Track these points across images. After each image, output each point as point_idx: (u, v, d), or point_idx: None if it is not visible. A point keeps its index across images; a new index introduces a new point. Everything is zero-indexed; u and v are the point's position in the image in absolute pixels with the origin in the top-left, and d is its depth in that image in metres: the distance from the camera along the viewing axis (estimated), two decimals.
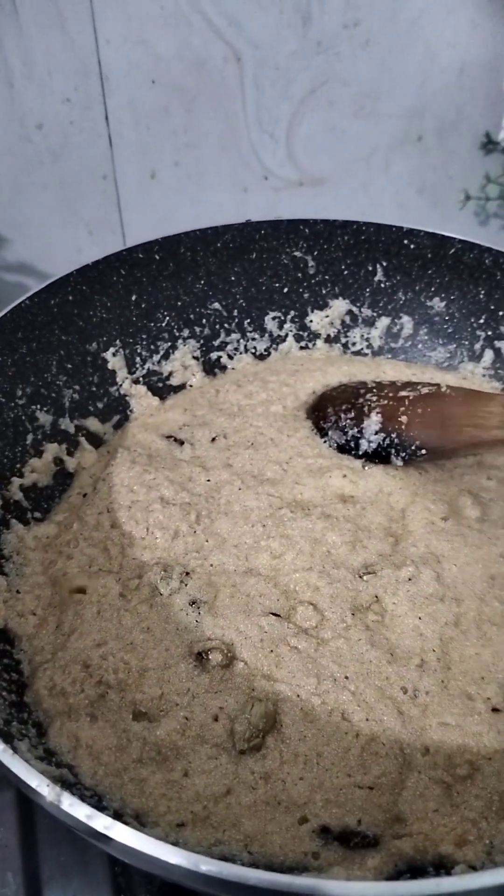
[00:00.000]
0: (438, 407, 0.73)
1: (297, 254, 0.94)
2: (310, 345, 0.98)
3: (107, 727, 0.58)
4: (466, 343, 0.92)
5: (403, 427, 0.73)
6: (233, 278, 0.94)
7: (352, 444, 0.77)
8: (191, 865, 0.41)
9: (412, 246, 0.91)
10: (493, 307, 0.88)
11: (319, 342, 0.98)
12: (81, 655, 0.62)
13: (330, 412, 0.80)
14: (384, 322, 0.96)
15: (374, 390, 0.79)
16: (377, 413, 0.76)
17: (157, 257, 0.88)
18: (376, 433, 0.75)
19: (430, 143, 1.26)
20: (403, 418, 0.74)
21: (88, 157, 1.13)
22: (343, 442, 0.77)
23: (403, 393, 0.76)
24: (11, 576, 0.70)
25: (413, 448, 0.73)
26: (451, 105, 1.23)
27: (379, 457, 0.76)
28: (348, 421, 0.77)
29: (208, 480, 0.76)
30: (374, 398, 0.78)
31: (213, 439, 0.81)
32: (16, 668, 0.64)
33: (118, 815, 0.49)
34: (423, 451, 0.72)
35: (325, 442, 0.79)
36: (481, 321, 0.90)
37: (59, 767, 0.56)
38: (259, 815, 0.54)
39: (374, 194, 1.29)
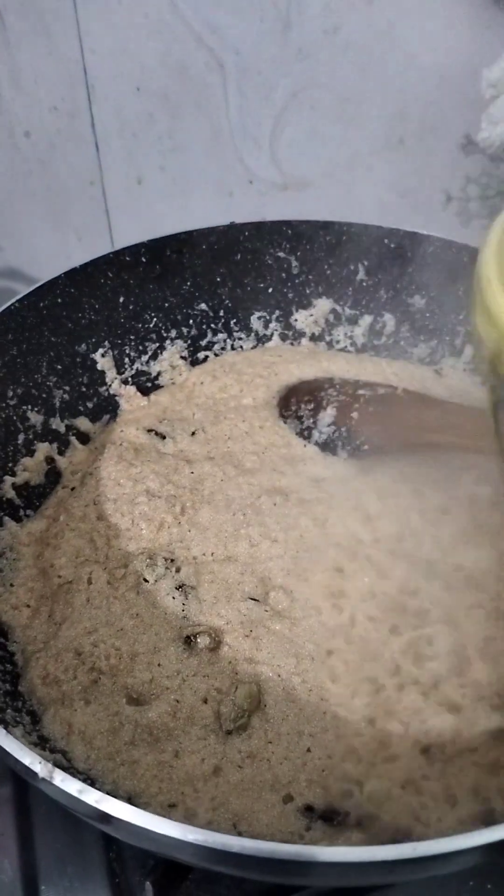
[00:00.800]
0: (388, 408, 0.79)
1: (281, 254, 0.96)
2: (295, 343, 1.00)
3: (100, 711, 0.60)
4: (447, 339, 0.94)
5: (353, 423, 0.79)
6: (218, 279, 0.96)
7: (305, 434, 0.82)
8: (178, 835, 0.42)
9: (392, 245, 0.93)
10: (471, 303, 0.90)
11: (304, 340, 1.00)
12: (73, 643, 0.64)
13: (293, 402, 0.85)
14: (367, 320, 0.98)
15: (337, 386, 0.84)
16: (333, 407, 0.81)
17: (144, 260, 0.90)
18: (328, 425, 0.81)
19: (411, 145, 1.29)
20: (355, 414, 0.80)
21: (76, 164, 1.15)
22: (298, 431, 0.83)
23: (361, 391, 0.82)
24: (5, 570, 0.72)
25: (357, 443, 0.78)
26: (431, 108, 1.25)
27: (328, 448, 0.81)
28: (307, 412, 0.83)
29: (192, 472, 0.78)
30: (335, 393, 0.83)
31: (193, 433, 0.84)
32: (10, 659, 0.66)
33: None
34: (366, 447, 0.78)
35: (293, 431, 0.83)
36: (461, 317, 0.92)
37: (52, 753, 0.58)
38: (246, 793, 0.56)
39: (358, 197, 1.32)
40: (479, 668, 0.62)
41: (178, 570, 0.70)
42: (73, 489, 0.80)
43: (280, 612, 0.66)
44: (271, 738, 0.58)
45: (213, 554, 0.71)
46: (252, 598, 0.66)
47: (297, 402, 0.85)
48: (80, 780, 0.45)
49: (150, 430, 0.85)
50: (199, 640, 0.64)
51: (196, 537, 0.72)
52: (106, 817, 0.44)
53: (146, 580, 0.69)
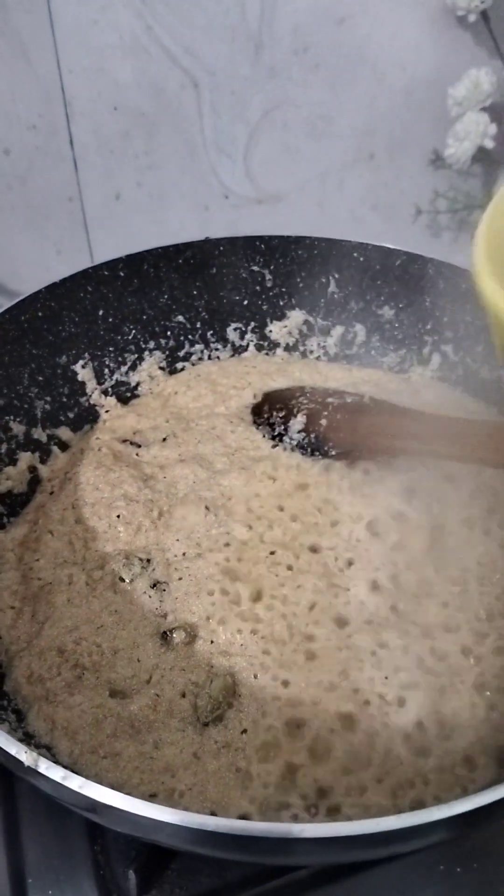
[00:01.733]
0: (355, 415, 0.83)
1: (255, 268, 0.99)
2: (270, 353, 1.03)
3: (84, 703, 0.62)
4: (415, 348, 0.98)
5: (322, 429, 0.83)
6: (195, 292, 0.99)
7: (277, 440, 0.86)
8: (158, 816, 0.45)
9: (361, 259, 0.96)
10: (437, 314, 0.94)
11: (279, 350, 1.03)
12: (56, 641, 0.66)
13: (265, 410, 0.89)
14: (339, 330, 1.02)
15: (308, 395, 0.88)
16: (303, 414, 0.85)
17: (122, 274, 0.93)
18: (298, 432, 0.84)
19: (381, 160, 1.33)
20: (324, 421, 0.83)
21: (54, 181, 1.18)
22: (269, 437, 0.87)
23: (330, 399, 0.86)
24: None
25: (326, 448, 0.82)
26: (399, 124, 1.30)
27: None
28: (278, 419, 0.86)
29: (165, 477, 0.81)
30: (305, 401, 0.87)
31: (164, 439, 0.87)
32: None
33: None
34: (335, 452, 0.82)
35: (263, 436, 0.87)
36: (428, 327, 0.96)
37: (37, 748, 0.60)
38: (222, 782, 0.58)
39: (330, 211, 1.36)
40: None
41: (153, 570, 0.73)
42: (51, 493, 0.83)
43: (251, 605, 0.69)
44: (245, 727, 0.61)
45: (184, 554, 0.73)
46: (224, 593, 0.69)
47: (269, 410, 0.89)
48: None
49: (124, 441, 0.88)
50: (174, 635, 0.67)
51: (170, 538, 0.75)
52: (89, 803, 0.47)
53: (122, 579, 0.71)
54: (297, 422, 0.85)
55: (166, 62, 1.12)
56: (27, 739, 0.61)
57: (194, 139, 1.21)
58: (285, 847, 0.47)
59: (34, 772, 0.49)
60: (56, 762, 0.58)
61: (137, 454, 0.86)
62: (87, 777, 0.58)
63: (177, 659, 0.65)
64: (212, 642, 0.66)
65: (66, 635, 0.67)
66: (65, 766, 0.58)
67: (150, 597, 0.70)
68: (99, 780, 0.58)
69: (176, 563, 0.73)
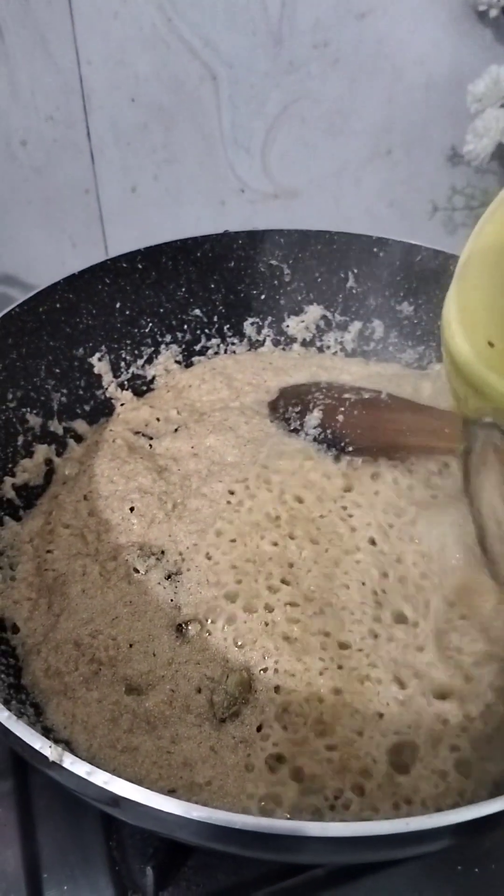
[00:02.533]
0: (372, 411, 0.83)
1: (273, 262, 0.99)
2: (287, 348, 1.03)
3: (102, 700, 0.62)
4: (434, 345, 0.97)
5: (338, 425, 0.82)
6: (212, 286, 0.98)
7: (293, 434, 0.85)
8: (182, 812, 0.44)
9: (381, 254, 0.96)
10: None
11: (296, 346, 1.03)
12: (72, 635, 0.66)
13: (280, 405, 0.89)
14: (357, 326, 1.01)
15: (324, 390, 0.87)
16: (320, 410, 0.84)
17: (140, 266, 0.92)
18: (314, 427, 0.83)
19: (398, 157, 1.32)
20: (340, 417, 0.82)
21: (71, 173, 1.17)
22: (285, 432, 0.86)
23: (346, 395, 0.85)
24: (6, 568, 0.74)
25: (342, 444, 0.81)
26: (417, 120, 1.29)
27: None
28: (294, 414, 0.86)
29: (179, 469, 0.81)
30: (321, 397, 0.86)
31: (176, 430, 0.87)
32: (12, 653, 0.68)
33: None
34: (350, 449, 0.81)
35: (277, 430, 0.87)
36: None
37: (56, 743, 0.60)
38: (241, 777, 0.58)
39: (346, 207, 1.35)
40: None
41: (167, 561, 0.72)
42: (64, 483, 0.83)
43: (266, 598, 0.68)
44: (261, 723, 0.60)
45: (197, 545, 0.73)
46: (238, 583, 0.69)
47: (284, 405, 0.88)
48: None
49: (137, 433, 0.88)
50: (189, 627, 0.66)
51: (184, 529, 0.74)
52: (114, 798, 0.46)
53: (137, 570, 0.71)
54: (314, 417, 0.84)
55: (186, 55, 1.11)
56: (46, 734, 0.60)
57: (212, 133, 1.20)
58: (306, 845, 0.47)
59: (58, 766, 0.48)
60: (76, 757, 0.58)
61: (150, 445, 0.86)
62: (105, 771, 0.58)
63: (192, 652, 0.65)
64: (226, 636, 0.66)
65: (81, 628, 0.66)
66: (83, 761, 0.58)
67: (164, 588, 0.70)
68: (118, 776, 0.58)
69: (189, 555, 0.72)
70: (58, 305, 0.86)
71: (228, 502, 0.76)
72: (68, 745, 0.60)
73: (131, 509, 0.76)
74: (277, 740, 0.60)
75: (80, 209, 1.21)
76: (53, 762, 0.47)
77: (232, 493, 0.77)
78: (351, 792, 0.58)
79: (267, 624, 0.66)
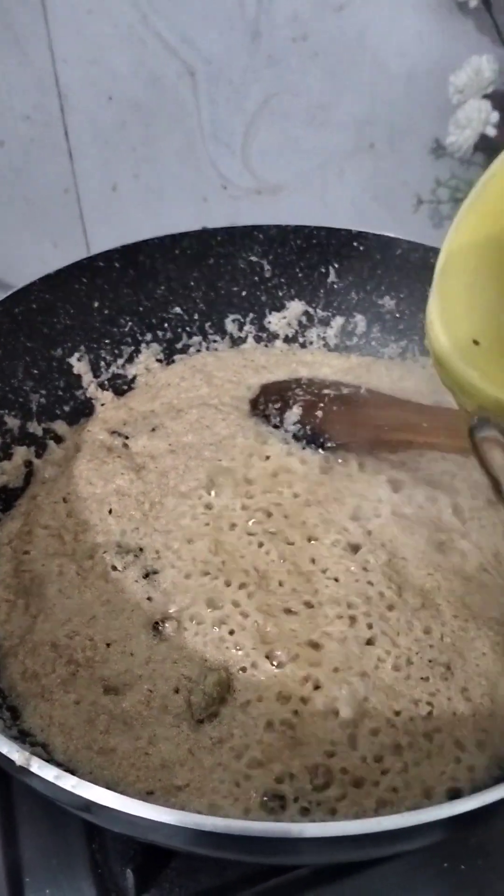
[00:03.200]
0: (351, 407, 0.83)
1: (253, 258, 0.98)
2: (269, 345, 1.02)
3: (79, 703, 0.61)
4: (416, 338, 0.96)
5: (318, 420, 0.82)
6: (192, 283, 0.98)
7: (273, 430, 0.85)
8: (153, 816, 0.44)
9: (361, 248, 0.95)
10: None
11: (278, 342, 1.02)
12: (49, 636, 0.65)
13: (261, 401, 0.88)
14: (339, 321, 1.00)
15: (304, 386, 0.87)
16: (299, 406, 0.84)
17: (118, 265, 0.92)
18: (294, 423, 0.83)
19: (381, 150, 1.31)
20: (319, 413, 0.82)
21: (50, 173, 1.17)
22: (266, 428, 0.86)
23: (326, 391, 0.85)
24: None
25: (322, 440, 0.81)
26: (400, 113, 1.28)
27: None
28: (274, 410, 0.85)
29: (156, 467, 0.81)
30: (301, 393, 0.86)
31: (153, 429, 0.86)
32: None
33: None
34: (330, 444, 0.81)
35: (255, 426, 0.86)
36: None
37: (33, 747, 0.59)
38: (219, 779, 0.57)
39: (331, 200, 1.34)
40: None
41: (144, 559, 0.72)
42: (43, 484, 0.82)
43: (243, 595, 0.68)
44: (240, 724, 0.60)
45: (176, 543, 0.73)
46: (213, 579, 0.69)
47: (264, 402, 0.88)
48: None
49: (113, 433, 0.87)
50: (166, 625, 0.66)
51: (161, 528, 0.74)
52: (83, 802, 0.46)
53: (115, 568, 0.71)
54: (293, 413, 0.83)
55: (162, 51, 1.10)
56: (22, 737, 0.60)
57: (192, 129, 1.19)
58: (284, 847, 0.47)
59: (27, 771, 0.48)
60: (52, 760, 0.58)
61: (126, 444, 0.85)
62: (83, 775, 0.57)
63: (169, 651, 0.64)
64: (204, 635, 0.65)
65: (59, 629, 0.66)
66: (60, 764, 0.57)
67: (141, 586, 0.69)
68: (95, 778, 0.58)
69: (167, 553, 0.72)
70: (34, 306, 0.85)
71: (201, 498, 0.76)
72: (45, 748, 0.59)
73: (109, 511, 0.76)
74: (256, 742, 0.59)
75: (61, 209, 1.21)
76: (21, 766, 0.47)
77: (209, 490, 0.77)
78: (332, 792, 0.57)
79: (245, 623, 0.66)
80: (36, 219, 1.21)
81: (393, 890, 0.67)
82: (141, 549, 0.73)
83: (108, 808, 0.45)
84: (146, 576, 0.70)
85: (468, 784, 0.58)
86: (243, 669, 0.63)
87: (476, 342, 0.56)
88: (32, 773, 0.47)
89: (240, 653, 0.64)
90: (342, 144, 1.28)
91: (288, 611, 0.66)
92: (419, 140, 1.31)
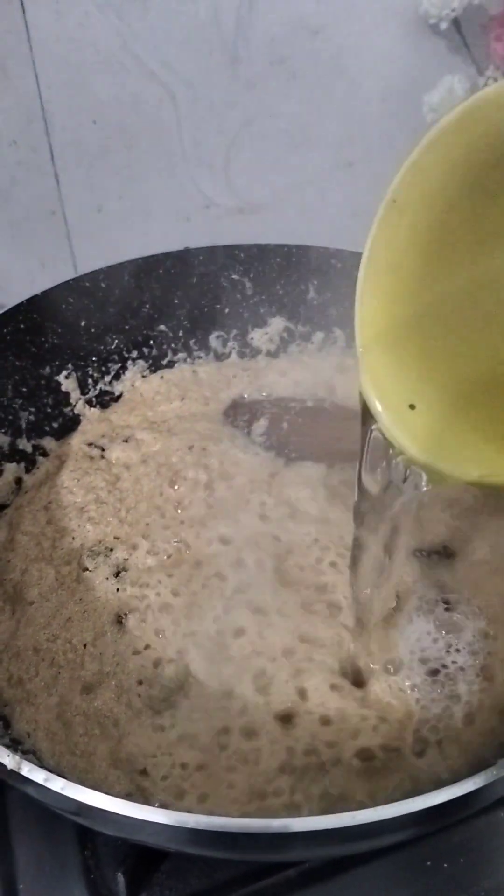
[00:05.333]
0: (315, 420, 0.87)
1: (235, 276, 1.01)
2: (252, 360, 1.04)
3: (60, 706, 0.64)
4: None
5: (283, 432, 0.86)
6: (176, 301, 1.00)
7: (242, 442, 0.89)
8: (136, 814, 0.46)
9: (339, 265, 0.98)
10: None
11: (261, 357, 1.04)
12: (31, 640, 0.68)
13: (231, 413, 0.93)
14: (320, 336, 1.03)
15: (272, 400, 0.92)
16: (266, 418, 0.88)
17: (103, 285, 0.94)
18: (261, 435, 0.87)
19: (360, 168, 1.34)
20: (285, 425, 0.87)
21: (37, 195, 1.19)
22: (235, 438, 0.89)
23: (292, 404, 0.89)
24: None
25: (287, 451, 0.85)
26: (377, 132, 1.31)
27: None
28: (242, 422, 0.90)
29: (130, 476, 0.84)
30: (269, 406, 0.90)
31: (126, 440, 0.89)
32: None
33: None
34: (294, 455, 0.85)
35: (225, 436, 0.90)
36: None
37: (24, 754, 0.61)
38: (188, 773, 0.59)
39: (312, 218, 1.37)
40: None
41: (115, 558, 0.75)
42: (26, 493, 0.85)
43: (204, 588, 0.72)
44: (201, 713, 0.62)
45: (143, 544, 0.76)
46: (173, 577, 0.72)
47: (234, 414, 0.92)
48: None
49: (91, 444, 0.90)
50: (129, 617, 0.69)
51: (134, 532, 0.77)
52: (73, 804, 0.48)
53: (87, 568, 0.74)
54: (260, 425, 0.87)
55: (144, 77, 1.13)
56: (14, 746, 0.62)
57: (174, 151, 1.22)
58: (269, 842, 0.48)
59: (18, 775, 0.49)
60: (42, 766, 0.59)
61: (103, 456, 0.88)
62: (70, 779, 0.59)
63: (131, 642, 0.67)
64: (162, 626, 0.68)
65: (40, 632, 0.69)
66: (50, 770, 0.59)
67: (111, 583, 0.72)
68: (81, 782, 0.60)
69: (136, 553, 0.75)
70: (22, 325, 0.88)
71: (167, 501, 0.80)
72: (35, 755, 0.61)
73: (88, 518, 0.79)
74: (218, 730, 0.61)
75: (48, 230, 1.23)
76: (12, 770, 0.49)
77: (176, 494, 0.81)
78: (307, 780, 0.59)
79: (203, 614, 0.69)
80: (24, 240, 1.23)
81: (378, 889, 0.68)
82: (111, 550, 0.76)
83: (96, 808, 0.47)
84: (117, 574, 0.73)
85: None
86: (204, 660, 0.65)
87: (412, 406, 0.52)
88: (23, 777, 0.49)
89: (198, 646, 0.66)
90: (321, 164, 1.31)
91: (254, 608, 0.69)
92: (396, 158, 1.33)
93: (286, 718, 0.62)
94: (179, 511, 0.79)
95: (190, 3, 1.10)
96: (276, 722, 0.62)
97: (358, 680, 0.66)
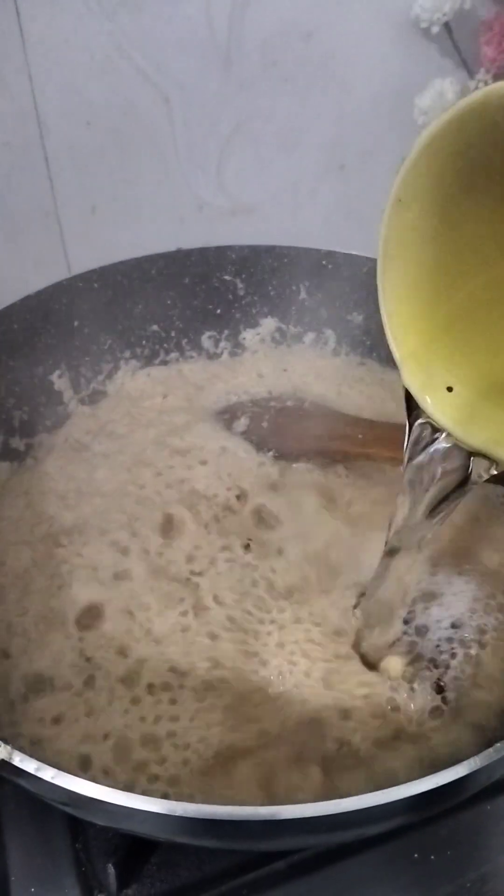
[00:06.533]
0: (295, 419, 0.90)
1: (227, 277, 1.02)
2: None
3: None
4: (385, 353, 1.00)
5: (263, 431, 0.89)
6: (168, 302, 1.01)
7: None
8: (132, 804, 0.47)
9: (330, 266, 0.99)
10: None
11: (248, 355, 1.05)
12: (6, 617, 0.71)
13: (212, 411, 0.95)
14: (310, 337, 1.04)
15: (252, 399, 0.94)
16: (247, 417, 0.90)
17: (96, 286, 0.95)
18: (241, 433, 0.89)
19: (352, 170, 1.35)
20: (265, 424, 0.89)
21: (30, 196, 1.20)
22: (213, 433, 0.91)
23: (272, 403, 0.92)
24: None
25: (266, 449, 0.87)
26: (368, 134, 1.32)
27: None
28: (223, 422, 0.92)
29: (108, 465, 0.87)
30: (249, 404, 0.93)
31: (109, 434, 0.92)
32: None
33: None
34: (272, 454, 0.87)
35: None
36: None
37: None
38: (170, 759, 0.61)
39: (304, 220, 1.38)
40: None
41: (88, 535, 0.78)
42: (9, 480, 0.87)
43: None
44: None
45: (113, 525, 0.78)
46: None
47: (214, 413, 0.94)
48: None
49: (76, 439, 0.92)
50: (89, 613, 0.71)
51: (100, 517, 0.80)
52: (62, 793, 0.49)
53: (62, 545, 0.77)
54: (240, 423, 0.89)
55: (137, 79, 1.14)
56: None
57: (168, 153, 1.23)
58: (259, 830, 0.49)
59: (10, 766, 0.50)
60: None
61: (86, 448, 0.90)
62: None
63: (93, 640, 0.69)
64: (121, 622, 0.70)
65: (12, 608, 0.71)
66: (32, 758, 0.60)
67: (82, 558, 0.75)
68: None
69: (105, 536, 0.78)
70: (15, 326, 0.88)
71: (134, 482, 0.83)
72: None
73: (65, 505, 0.81)
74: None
75: (41, 231, 1.24)
76: (2, 760, 0.50)
77: (135, 480, 0.83)
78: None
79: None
80: (17, 241, 1.24)
81: (366, 881, 0.69)
82: (85, 523, 0.78)
83: (86, 797, 0.48)
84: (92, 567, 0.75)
85: None
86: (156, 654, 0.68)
87: (450, 389, 0.54)
88: (14, 767, 0.50)
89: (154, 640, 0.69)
90: (313, 166, 1.32)
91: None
92: (388, 160, 1.34)
93: None
94: (152, 506, 0.81)
95: (183, 6, 1.11)
96: None
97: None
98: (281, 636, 0.69)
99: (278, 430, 0.88)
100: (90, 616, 0.71)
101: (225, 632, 0.69)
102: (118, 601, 0.71)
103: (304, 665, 0.66)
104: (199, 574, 0.74)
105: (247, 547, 0.76)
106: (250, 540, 0.76)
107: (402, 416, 0.88)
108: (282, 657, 0.67)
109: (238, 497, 0.82)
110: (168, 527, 0.79)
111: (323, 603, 0.71)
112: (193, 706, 0.64)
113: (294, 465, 0.86)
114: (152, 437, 0.89)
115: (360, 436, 0.83)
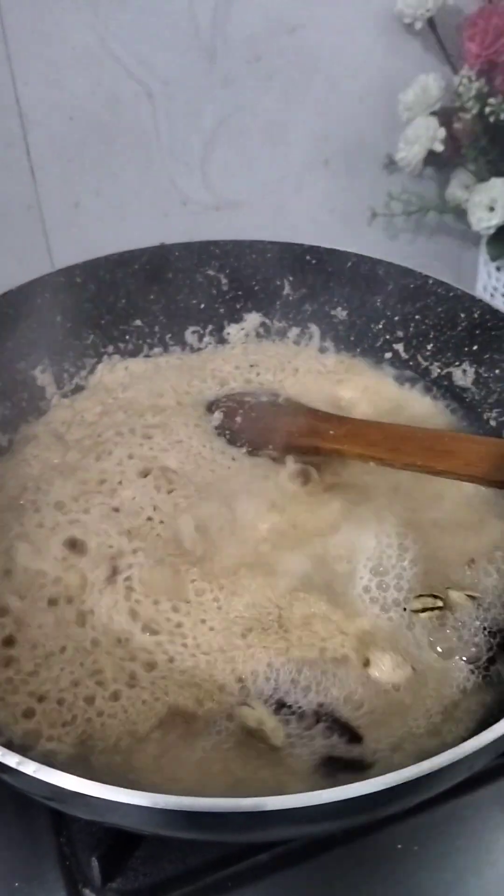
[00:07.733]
0: (268, 414, 0.90)
1: (211, 272, 1.01)
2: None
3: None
4: (367, 347, 1.00)
5: (236, 426, 0.89)
6: (152, 297, 1.01)
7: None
8: (114, 797, 0.46)
9: (314, 261, 0.99)
10: (388, 313, 0.97)
11: (228, 348, 1.05)
12: None
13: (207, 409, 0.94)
14: (294, 332, 1.04)
15: (227, 393, 0.94)
16: (221, 412, 0.90)
17: (79, 280, 0.95)
18: (215, 428, 0.89)
19: (336, 166, 1.36)
20: (238, 419, 0.89)
21: (13, 191, 1.20)
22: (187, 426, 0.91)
23: (246, 398, 0.92)
24: None
25: (239, 444, 0.88)
26: (353, 130, 1.33)
27: None
28: (196, 416, 0.91)
29: (80, 456, 0.86)
30: (224, 399, 0.93)
31: (81, 423, 0.93)
32: None
33: None
34: (245, 449, 0.87)
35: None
36: (380, 327, 0.99)
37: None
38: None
39: (289, 215, 1.38)
40: None
41: (65, 515, 0.78)
42: None
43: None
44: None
45: (96, 513, 0.79)
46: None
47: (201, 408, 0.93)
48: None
49: (53, 427, 0.92)
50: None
51: (88, 503, 0.80)
52: (45, 787, 0.49)
53: (42, 525, 0.77)
54: (215, 418, 0.90)
55: (121, 73, 1.14)
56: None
57: (151, 148, 1.23)
58: (242, 821, 0.49)
59: None
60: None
61: (62, 436, 0.90)
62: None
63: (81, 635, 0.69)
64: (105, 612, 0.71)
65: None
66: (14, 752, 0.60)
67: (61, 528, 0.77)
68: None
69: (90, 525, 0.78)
70: None
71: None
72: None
73: (42, 490, 0.82)
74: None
75: (24, 225, 1.23)
76: None
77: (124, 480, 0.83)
78: None
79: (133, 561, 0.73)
80: (0, 235, 1.23)
81: (350, 872, 0.70)
82: (64, 503, 0.79)
83: (69, 791, 0.48)
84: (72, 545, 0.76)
85: None
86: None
87: None
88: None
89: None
90: (298, 161, 1.33)
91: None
92: (372, 156, 1.35)
93: None
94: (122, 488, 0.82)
95: (167, 1, 1.11)
96: None
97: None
98: None
99: (252, 426, 0.88)
100: None
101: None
102: None
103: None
104: None
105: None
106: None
107: (373, 412, 0.90)
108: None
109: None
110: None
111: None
112: None
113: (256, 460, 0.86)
114: (130, 423, 0.89)
115: (330, 431, 0.83)
